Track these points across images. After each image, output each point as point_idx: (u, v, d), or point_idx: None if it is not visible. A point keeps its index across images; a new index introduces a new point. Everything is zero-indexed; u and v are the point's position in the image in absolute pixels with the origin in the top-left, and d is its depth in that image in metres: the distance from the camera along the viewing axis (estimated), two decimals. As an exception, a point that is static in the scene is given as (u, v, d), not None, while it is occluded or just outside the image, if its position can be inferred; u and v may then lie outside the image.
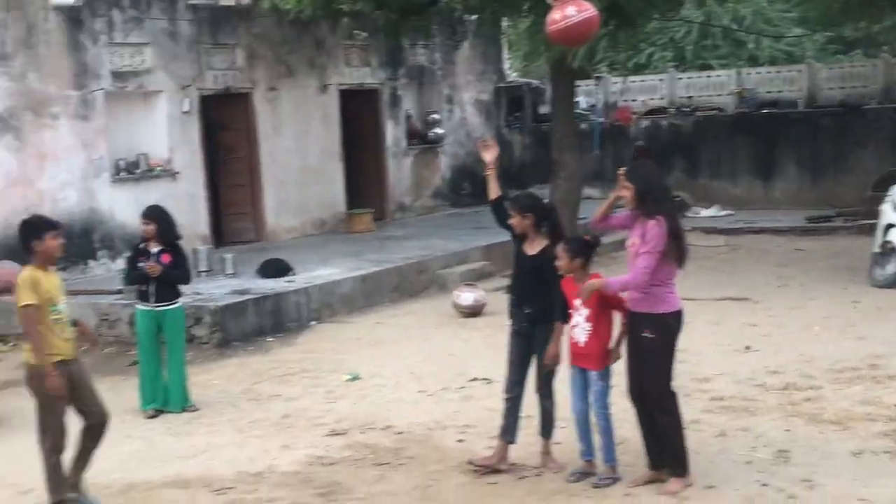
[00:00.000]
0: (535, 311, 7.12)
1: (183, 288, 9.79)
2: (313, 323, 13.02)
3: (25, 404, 9.68)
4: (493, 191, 7.33)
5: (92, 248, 15.13)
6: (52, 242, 6.75)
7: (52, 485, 6.88)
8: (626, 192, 6.64)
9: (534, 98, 23.72)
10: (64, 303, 6.85)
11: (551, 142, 16.55)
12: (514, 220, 7.17)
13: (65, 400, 6.83)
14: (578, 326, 6.99)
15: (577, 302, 6.96)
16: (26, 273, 6.70)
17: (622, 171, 6.73)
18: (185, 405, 9.57)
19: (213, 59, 16.98)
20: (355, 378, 10.29)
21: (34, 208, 14.18)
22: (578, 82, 19.69)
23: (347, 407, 9.31)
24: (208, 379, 10.64)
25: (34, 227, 6.78)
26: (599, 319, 6.94)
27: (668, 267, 6.64)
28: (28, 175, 14.36)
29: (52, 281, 6.81)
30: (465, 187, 22.27)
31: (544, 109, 22.98)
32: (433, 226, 19.13)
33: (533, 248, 7.19)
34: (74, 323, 7.03)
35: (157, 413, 9.47)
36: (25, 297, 6.61)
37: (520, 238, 7.26)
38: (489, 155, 7.32)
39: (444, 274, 15.18)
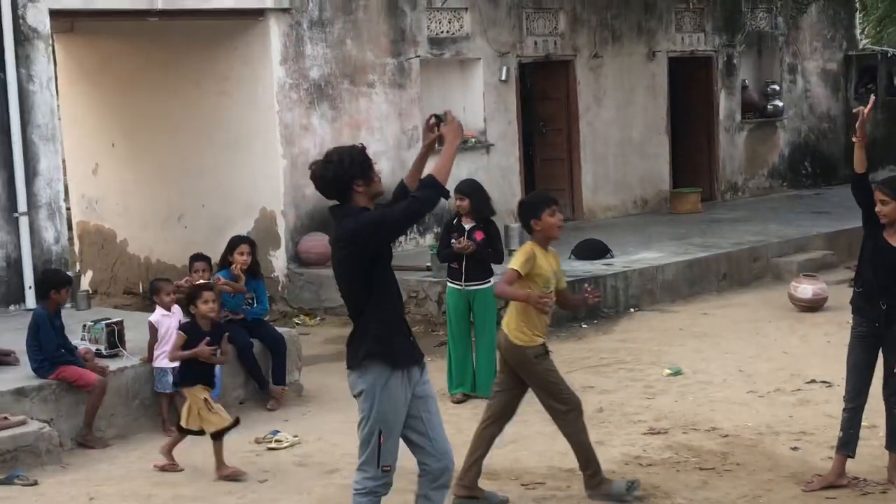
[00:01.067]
0: (892, 308, 6.78)
1: (494, 267, 9.94)
2: (632, 310, 12.94)
3: (332, 381, 10.23)
4: (861, 163, 6.90)
5: (402, 222, 15.54)
6: (549, 220, 6.99)
7: (584, 461, 7.06)
8: None
9: (889, 68, 22.56)
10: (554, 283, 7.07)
11: (909, 117, 15.69)
12: (888, 208, 6.76)
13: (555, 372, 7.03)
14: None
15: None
16: (528, 245, 7.02)
17: None
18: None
19: (533, 25, 17.13)
20: (677, 373, 10.15)
21: None
22: (944, 50, 18.57)
23: (668, 404, 9.20)
24: (518, 365, 10.76)
25: (531, 207, 7.07)
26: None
27: None
28: (341, 145, 14.84)
29: (549, 260, 7.05)
30: (805, 167, 21.49)
31: (901, 81, 21.86)
32: (768, 209, 18.58)
33: (896, 239, 6.83)
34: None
35: (465, 398, 9.66)
36: (515, 263, 6.92)
37: (878, 226, 6.87)
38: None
39: (779, 263, 14.73)
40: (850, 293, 7.22)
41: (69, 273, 11.16)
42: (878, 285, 6.86)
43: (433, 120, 5.96)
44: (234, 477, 7.78)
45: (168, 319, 9.14)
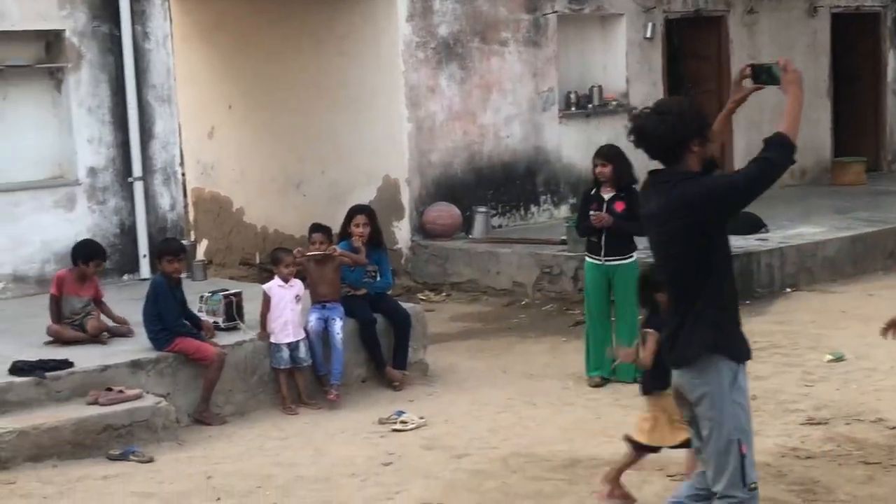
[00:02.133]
0: None
1: (638, 241, 9.89)
2: (788, 290, 12.81)
3: (459, 360, 10.44)
4: None
5: (535, 192, 15.61)
6: None
7: None
8: None
9: None
10: None
11: None
12: None
13: None
14: None
15: None
16: None
17: None
18: (636, 375, 9.65)
19: (682, -23, 16.97)
20: (839, 358, 10.00)
21: (475, 145, 14.97)
22: None
23: (828, 392, 9.07)
24: (662, 347, 10.72)
25: None
26: None
27: None
28: (471, 108, 14.98)
29: None
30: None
31: None
32: (940, 180, 18.21)
33: None
34: None
35: (604, 381, 9.67)
36: None
37: None
38: None
39: (952, 240, 14.43)
40: None
41: (184, 242, 11.42)
42: None
43: (748, 71, 5.38)
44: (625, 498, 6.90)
45: (284, 291, 9.30)
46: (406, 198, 14.46)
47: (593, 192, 9.79)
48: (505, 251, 13.53)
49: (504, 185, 15.21)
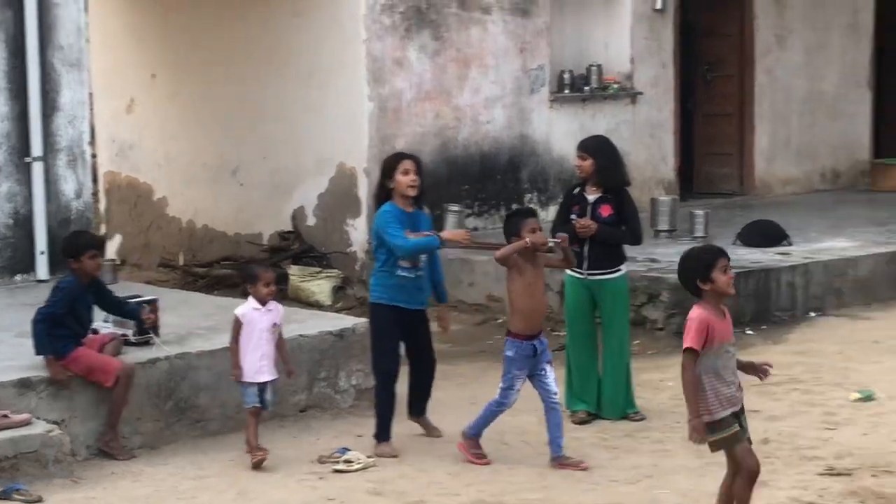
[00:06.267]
0: None
1: (632, 251, 9.82)
2: (812, 314, 12.82)
3: None
4: None
5: (518, 189, 15.59)
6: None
7: None
8: None
9: None
10: None
11: None
12: None
13: None
14: None
15: None
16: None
17: None
18: (627, 411, 9.68)
19: (703, -60, 17.02)
20: (868, 398, 9.98)
21: (448, 131, 14.91)
22: None
23: (854, 437, 9.05)
24: (660, 378, 10.69)
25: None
26: None
27: None
28: (445, 86, 14.92)
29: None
30: None
31: None
32: None
33: None
34: None
35: (589, 418, 9.61)
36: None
37: None
38: None
39: None
40: None
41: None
42: None
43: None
44: None
45: (260, 315, 8.72)
46: (364, 191, 14.28)
47: (576, 191, 9.73)
48: (480, 259, 13.43)
49: (482, 179, 15.22)
